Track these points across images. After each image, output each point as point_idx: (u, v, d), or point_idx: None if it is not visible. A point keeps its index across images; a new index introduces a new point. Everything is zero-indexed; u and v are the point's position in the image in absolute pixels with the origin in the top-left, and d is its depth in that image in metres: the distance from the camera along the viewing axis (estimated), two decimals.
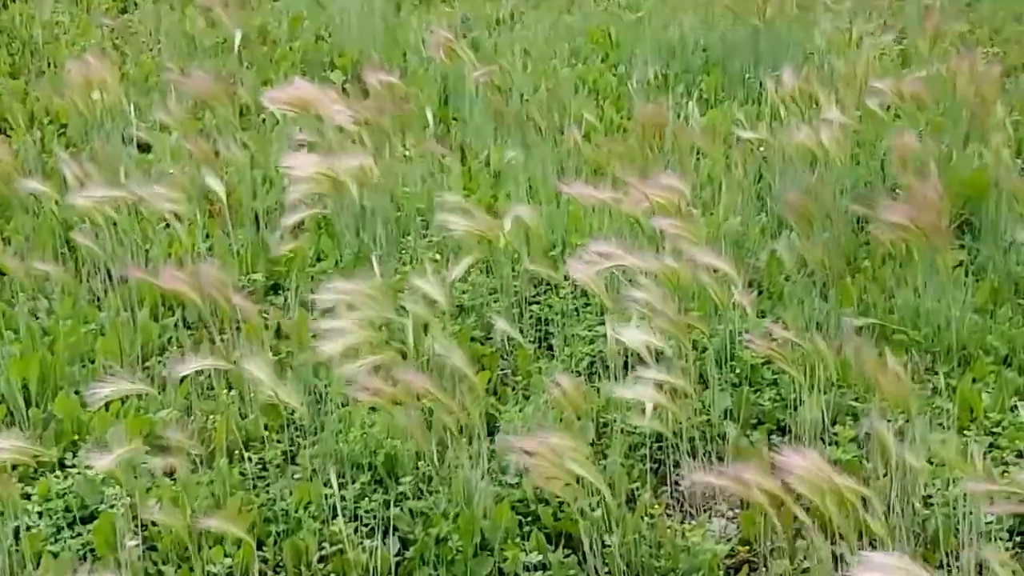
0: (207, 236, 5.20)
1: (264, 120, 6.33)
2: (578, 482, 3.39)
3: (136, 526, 3.46)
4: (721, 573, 3.52)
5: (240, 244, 5.12)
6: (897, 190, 4.56)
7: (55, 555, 3.45)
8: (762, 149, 5.67)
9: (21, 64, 7.36)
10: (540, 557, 3.51)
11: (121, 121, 6.03)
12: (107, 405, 4.02)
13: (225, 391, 4.14)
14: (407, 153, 5.78)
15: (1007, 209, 5.12)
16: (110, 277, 4.84)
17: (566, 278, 4.69)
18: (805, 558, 3.48)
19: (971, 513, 3.46)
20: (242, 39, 7.03)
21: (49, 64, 7.29)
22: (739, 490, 3.03)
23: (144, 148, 6.07)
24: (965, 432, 4.00)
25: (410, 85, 6.68)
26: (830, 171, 5.25)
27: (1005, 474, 3.83)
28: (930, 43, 6.96)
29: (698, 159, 5.60)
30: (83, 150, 5.94)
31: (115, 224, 4.87)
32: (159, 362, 4.40)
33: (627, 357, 4.01)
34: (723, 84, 6.87)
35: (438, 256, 5.02)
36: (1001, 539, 3.55)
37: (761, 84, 6.53)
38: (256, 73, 7.09)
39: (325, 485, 3.57)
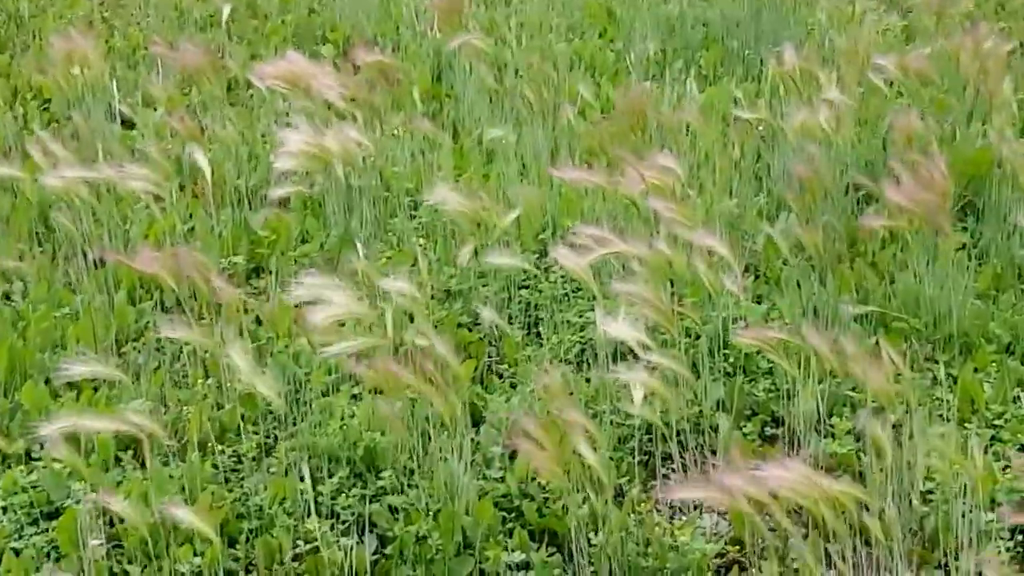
0: (190, 216, 5.07)
1: (252, 95, 6.19)
2: (566, 475, 3.29)
3: (103, 523, 3.34)
4: (710, 574, 3.39)
5: (223, 225, 4.99)
6: (898, 170, 4.41)
7: (17, 552, 3.33)
8: (761, 128, 5.52)
9: (6, 37, 7.21)
10: (523, 556, 3.38)
11: (104, 96, 5.89)
12: (77, 395, 3.91)
13: (201, 379, 4.01)
14: (395, 132, 5.64)
15: (1010, 190, 4.98)
16: (87, 259, 4.71)
17: (548, 270, 4.58)
18: (797, 558, 3.36)
19: (971, 511, 3.33)
20: (232, 12, 6.89)
21: (34, 37, 7.14)
22: (725, 500, 2.89)
23: (128, 124, 5.93)
24: (966, 425, 3.87)
25: (403, 60, 6.54)
26: (830, 151, 5.11)
27: (1007, 469, 3.70)
28: (935, 18, 6.81)
29: (695, 139, 5.45)
30: (65, 127, 5.80)
31: (93, 207, 4.73)
32: (135, 348, 4.27)
33: (617, 346, 3.88)
34: (722, 60, 6.72)
35: (423, 240, 4.88)
36: (1002, 538, 3.42)
37: (761, 61, 6.39)
38: (246, 47, 6.94)
39: (301, 480, 3.44)
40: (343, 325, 3.66)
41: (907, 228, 4.42)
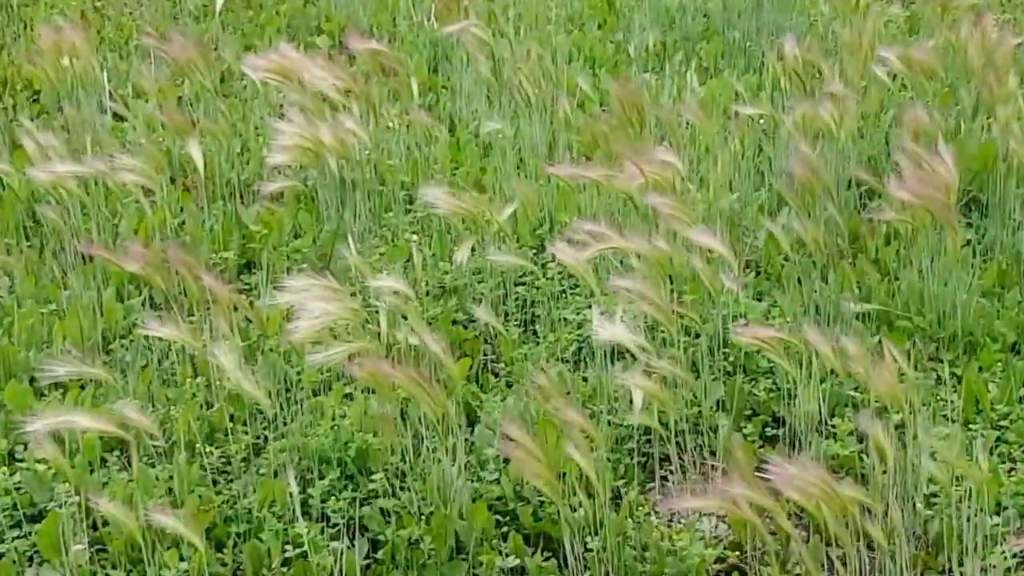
0: (180, 210, 4.98)
1: (246, 87, 6.11)
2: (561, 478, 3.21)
3: (86, 526, 3.25)
4: None
5: (214, 219, 4.91)
6: (902, 165, 4.33)
7: None
8: (762, 122, 5.44)
9: None
10: (518, 561, 3.31)
11: (95, 88, 5.80)
12: (63, 394, 3.83)
13: (190, 378, 3.92)
14: (391, 124, 5.55)
15: (1016, 186, 4.90)
16: (75, 254, 4.62)
17: (546, 266, 4.50)
18: (798, 563, 3.28)
19: (976, 515, 3.25)
20: (226, 2, 6.81)
21: (25, 27, 7.05)
22: (726, 507, 2.81)
23: (119, 116, 5.84)
24: (971, 425, 3.79)
25: (399, 51, 6.45)
26: (833, 145, 5.02)
27: (1013, 472, 3.62)
28: (939, 10, 6.72)
29: (695, 133, 5.37)
30: (55, 118, 5.72)
31: (82, 200, 4.65)
32: (122, 346, 4.19)
33: (615, 345, 3.80)
34: (723, 52, 6.63)
35: (415, 236, 4.80)
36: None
37: (763, 53, 6.31)
38: (240, 38, 6.86)
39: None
40: (332, 330, 3.57)
41: (911, 224, 4.34)
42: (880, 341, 3.76)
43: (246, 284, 4.63)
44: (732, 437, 3.72)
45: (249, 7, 7.43)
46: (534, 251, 4.68)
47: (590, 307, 3.96)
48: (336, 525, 3.38)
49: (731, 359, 4.05)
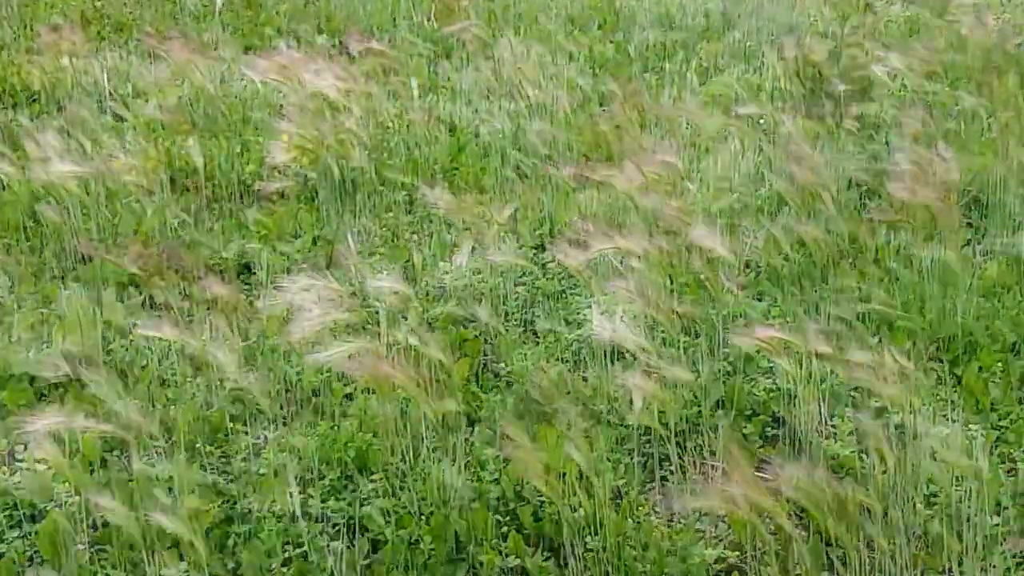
0: (181, 210, 4.98)
1: (246, 87, 6.11)
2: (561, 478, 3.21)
3: (87, 526, 3.25)
4: None
5: (213, 219, 4.91)
6: (902, 166, 4.33)
7: None
8: (762, 122, 5.44)
9: None
10: (518, 561, 3.30)
11: (94, 88, 5.81)
12: (63, 394, 3.83)
13: (190, 379, 3.92)
14: (391, 124, 5.55)
15: (1016, 186, 4.90)
16: (75, 254, 4.62)
17: (546, 266, 4.51)
18: (798, 563, 3.28)
19: (976, 515, 3.25)
20: (226, 2, 6.81)
21: (26, 27, 7.05)
22: (726, 507, 2.81)
23: (119, 116, 5.84)
24: (971, 425, 3.79)
25: (399, 51, 6.46)
26: (833, 145, 5.03)
27: (1013, 472, 3.62)
28: (939, 10, 6.73)
29: (695, 132, 5.37)
30: (55, 119, 5.72)
31: (82, 201, 4.65)
32: (122, 346, 4.19)
33: (615, 345, 3.80)
34: (723, 52, 6.63)
35: (415, 236, 4.80)
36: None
37: (763, 53, 6.31)
38: (240, 38, 6.86)
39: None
40: (332, 330, 3.58)
41: (911, 224, 4.34)
42: (880, 341, 3.76)
43: (246, 284, 4.62)
44: (732, 437, 3.72)
45: (249, 7, 7.44)
46: (534, 251, 4.68)
47: (590, 307, 3.96)
48: (336, 525, 3.38)
49: (731, 359, 4.05)
